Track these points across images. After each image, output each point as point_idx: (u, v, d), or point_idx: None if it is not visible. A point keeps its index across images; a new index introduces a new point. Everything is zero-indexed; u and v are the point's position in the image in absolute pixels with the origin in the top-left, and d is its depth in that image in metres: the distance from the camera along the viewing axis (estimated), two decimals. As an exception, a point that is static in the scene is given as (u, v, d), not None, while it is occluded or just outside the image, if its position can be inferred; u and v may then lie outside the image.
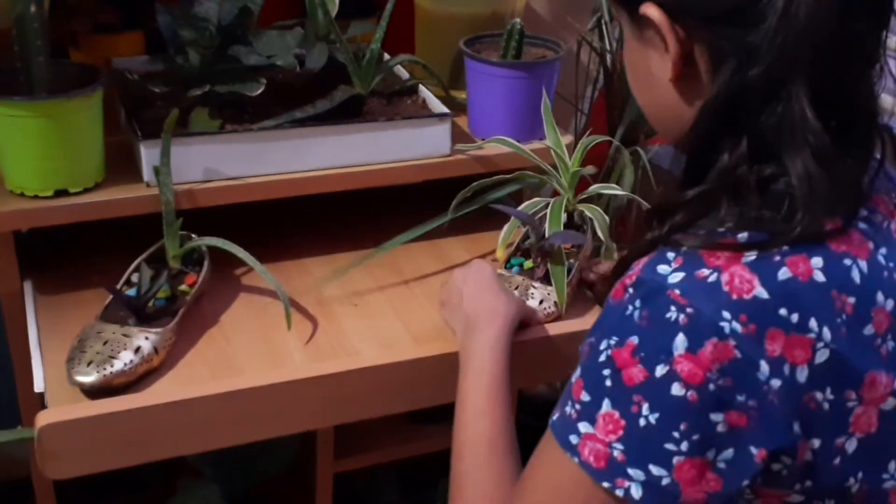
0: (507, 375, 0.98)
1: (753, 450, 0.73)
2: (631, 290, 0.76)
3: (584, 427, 0.76)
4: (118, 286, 1.14)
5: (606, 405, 0.75)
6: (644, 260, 0.78)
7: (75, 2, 1.46)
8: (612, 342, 0.75)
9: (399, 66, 1.43)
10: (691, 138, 0.80)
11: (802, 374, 0.72)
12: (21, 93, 1.12)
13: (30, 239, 1.28)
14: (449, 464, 0.93)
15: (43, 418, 0.96)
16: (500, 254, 1.27)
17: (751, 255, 0.74)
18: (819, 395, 0.73)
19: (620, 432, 0.74)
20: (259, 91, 1.21)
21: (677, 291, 0.73)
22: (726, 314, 0.71)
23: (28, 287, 1.22)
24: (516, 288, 1.17)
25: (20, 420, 1.25)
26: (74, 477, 1.00)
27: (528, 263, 1.23)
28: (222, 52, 1.23)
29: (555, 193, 1.26)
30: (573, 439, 0.76)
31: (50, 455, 0.97)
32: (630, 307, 0.75)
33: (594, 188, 1.27)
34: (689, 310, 0.72)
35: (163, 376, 1.07)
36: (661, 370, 0.72)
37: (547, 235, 1.19)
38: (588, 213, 1.23)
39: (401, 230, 1.26)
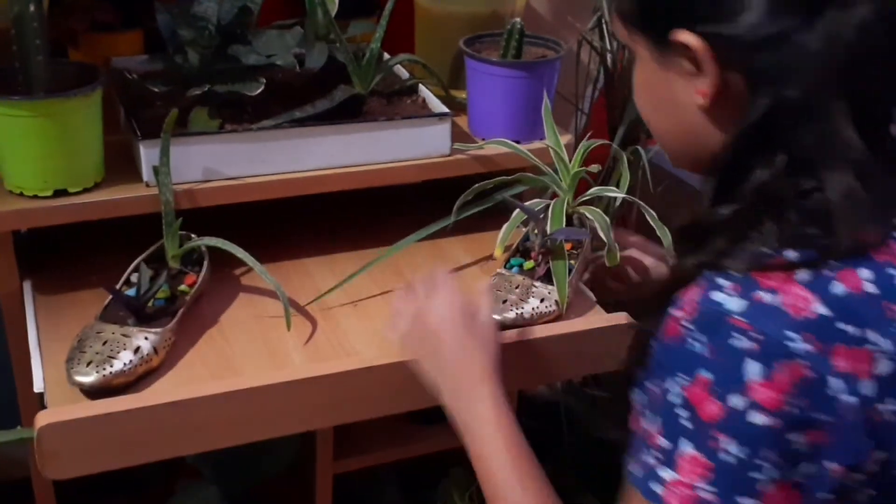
0: (519, 429, 0.94)
1: (831, 465, 0.72)
2: (688, 324, 0.74)
3: (666, 474, 0.74)
4: (117, 286, 1.13)
5: (686, 446, 0.73)
6: (694, 290, 0.76)
7: (74, 1, 1.45)
8: (683, 380, 0.73)
9: (399, 66, 1.42)
10: (723, 161, 0.78)
11: (869, 387, 0.72)
12: (20, 92, 1.12)
13: (29, 239, 1.28)
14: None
15: (42, 418, 0.96)
16: (499, 252, 1.27)
17: (802, 273, 0.73)
18: (886, 407, 0.73)
19: (705, 472, 0.73)
20: (258, 91, 1.21)
21: (740, 318, 0.72)
22: (791, 334, 0.71)
23: (27, 287, 1.22)
24: (517, 287, 1.17)
25: (20, 420, 1.25)
26: (74, 477, 1.00)
27: (529, 263, 1.22)
28: (221, 51, 1.22)
29: (554, 195, 1.26)
30: (657, 489, 0.75)
31: (49, 455, 0.97)
32: (691, 340, 0.73)
33: (594, 190, 1.27)
34: (754, 335, 0.71)
35: (162, 376, 1.07)
36: (737, 401, 0.71)
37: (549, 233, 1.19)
38: (588, 215, 1.23)
39: (400, 230, 1.26)
